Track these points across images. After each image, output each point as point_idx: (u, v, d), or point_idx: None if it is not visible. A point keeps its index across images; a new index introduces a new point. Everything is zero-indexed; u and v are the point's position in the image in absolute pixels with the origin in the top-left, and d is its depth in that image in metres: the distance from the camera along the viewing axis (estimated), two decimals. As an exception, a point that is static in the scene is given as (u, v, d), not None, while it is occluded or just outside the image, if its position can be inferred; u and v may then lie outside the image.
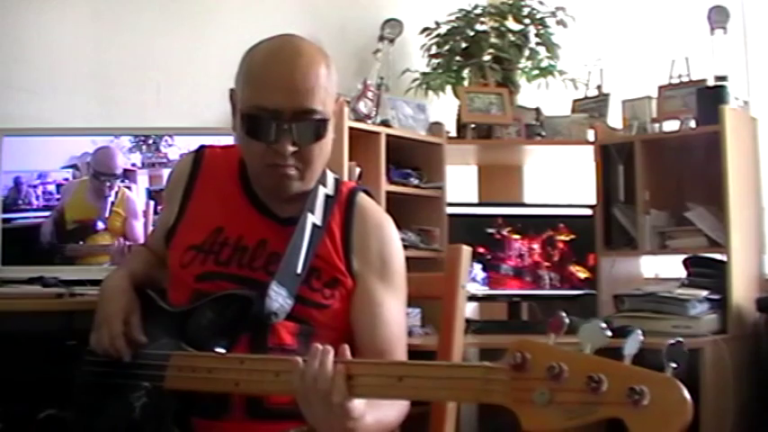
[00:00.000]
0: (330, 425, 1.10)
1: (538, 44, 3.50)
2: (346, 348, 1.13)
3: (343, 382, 1.07)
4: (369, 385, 1.07)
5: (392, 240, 1.46)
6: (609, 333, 0.93)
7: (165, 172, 2.27)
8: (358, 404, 1.09)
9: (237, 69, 1.39)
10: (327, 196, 1.44)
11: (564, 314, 0.98)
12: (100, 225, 2.29)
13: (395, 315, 1.42)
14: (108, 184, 2.30)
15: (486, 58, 3.44)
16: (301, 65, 1.32)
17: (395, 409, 1.30)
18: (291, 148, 1.32)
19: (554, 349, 0.93)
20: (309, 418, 1.12)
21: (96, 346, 1.37)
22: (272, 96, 1.31)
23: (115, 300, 1.40)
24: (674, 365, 0.88)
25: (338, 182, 1.49)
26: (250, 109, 1.33)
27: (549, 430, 0.92)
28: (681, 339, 0.91)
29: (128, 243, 2.29)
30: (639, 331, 0.93)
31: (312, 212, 1.40)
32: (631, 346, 0.92)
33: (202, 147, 1.55)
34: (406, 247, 2.89)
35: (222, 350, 1.24)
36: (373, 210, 1.48)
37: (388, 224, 1.48)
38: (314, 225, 1.40)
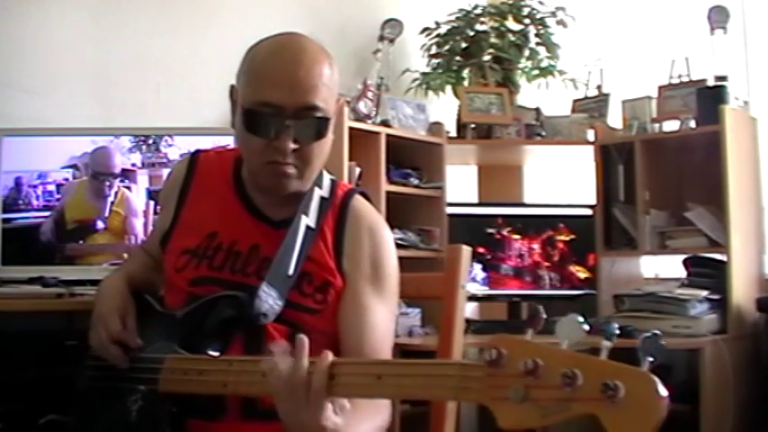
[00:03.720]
0: (304, 421, 1.06)
1: (538, 44, 3.50)
2: (328, 354, 1.10)
3: (324, 376, 1.05)
4: (349, 384, 1.06)
5: (385, 244, 1.44)
6: (586, 327, 0.91)
7: (165, 172, 2.26)
8: (335, 419, 1.06)
9: (239, 66, 1.38)
10: (322, 198, 1.43)
11: (541, 308, 0.98)
12: (100, 225, 2.29)
13: (382, 320, 1.40)
14: (107, 183, 2.29)
15: (486, 58, 3.44)
16: (305, 62, 1.32)
17: (376, 420, 1.28)
18: (292, 146, 1.31)
19: (530, 344, 0.92)
20: (284, 417, 1.09)
21: (94, 345, 1.37)
22: (275, 92, 1.30)
23: (111, 299, 1.40)
24: (650, 359, 0.86)
25: (334, 183, 1.48)
26: (252, 104, 1.32)
27: (526, 428, 0.90)
28: (657, 332, 0.90)
29: (128, 243, 2.29)
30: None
31: (306, 214, 1.40)
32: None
33: (197, 151, 1.54)
34: (406, 247, 2.94)
35: (215, 352, 1.24)
36: (367, 213, 1.46)
37: (382, 227, 1.46)
38: (307, 227, 1.39)
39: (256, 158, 1.35)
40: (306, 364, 1.07)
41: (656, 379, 0.84)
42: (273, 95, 1.30)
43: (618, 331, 0.92)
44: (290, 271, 1.35)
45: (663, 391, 0.83)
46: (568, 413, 0.86)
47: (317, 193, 1.43)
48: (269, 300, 1.32)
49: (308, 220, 1.39)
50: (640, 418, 0.83)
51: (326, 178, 1.47)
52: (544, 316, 0.96)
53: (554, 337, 0.93)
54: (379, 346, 1.38)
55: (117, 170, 2.31)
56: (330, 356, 1.09)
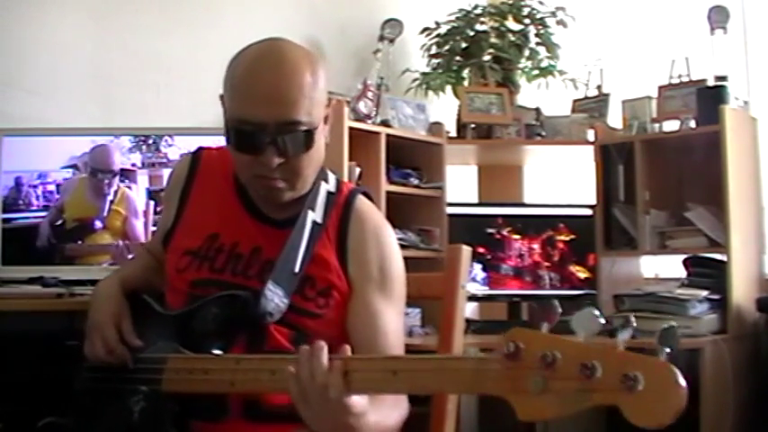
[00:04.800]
0: (331, 423, 1.09)
1: (538, 44, 3.50)
2: (346, 348, 1.12)
3: (340, 377, 1.06)
4: (365, 380, 1.07)
5: (390, 247, 1.43)
6: (602, 320, 0.93)
7: (166, 172, 2.26)
8: (358, 400, 1.08)
9: (224, 76, 1.35)
10: (329, 192, 1.42)
11: (557, 302, 0.99)
12: (98, 224, 2.29)
13: (393, 325, 1.40)
14: (106, 181, 2.29)
15: (486, 58, 3.44)
16: (284, 75, 1.28)
17: (396, 412, 1.28)
18: (278, 160, 1.29)
19: (547, 337, 0.93)
20: (308, 420, 1.11)
21: (90, 355, 1.36)
22: (255, 110, 1.27)
23: (104, 306, 1.39)
24: (668, 350, 0.88)
25: (339, 182, 1.47)
26: (234, 122, 1.30)
27: (545, 419, 0.92)
28: (674, 324, 0.91)
29: (128, 243, 2.29)
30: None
31: (313, 209, 1.38)
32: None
33: (200, 149, 1.53)
34: (406, 247, 2.94)
35: (219, 351, 1.24)
36: (371, 214, 1.45)
37: (387, 229, 1.44)
38: (314, 222, 1.38)
39: (246, 171, 1.35)
40: (324, 366, 1.08)
41: (675, 369, 0.85)
42: (253, 113, 1.27)
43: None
44: (296, 268, 1.34)
45: (682, 381, 0.85)
46: (588, 403, 0.88)
47: (324, 188, 1.42)
48: (275, 298, 1.31)
49: (314, 216, 1.38)
50: (661, 407, 0.84)
51: (332, 176, 1.46)
52: (560, 310, 0.98)
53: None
54: (392, 351, 1.37)
55: (116, 168, 2.30)
56: (348, 352, 1.11)
